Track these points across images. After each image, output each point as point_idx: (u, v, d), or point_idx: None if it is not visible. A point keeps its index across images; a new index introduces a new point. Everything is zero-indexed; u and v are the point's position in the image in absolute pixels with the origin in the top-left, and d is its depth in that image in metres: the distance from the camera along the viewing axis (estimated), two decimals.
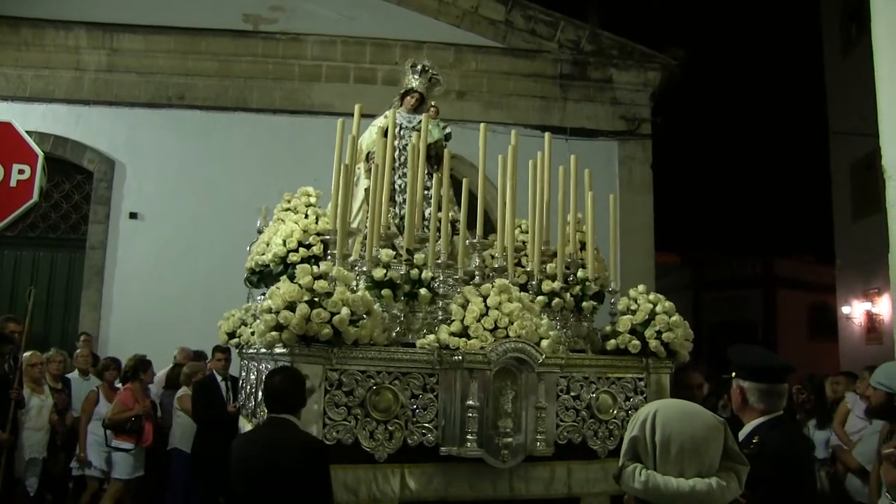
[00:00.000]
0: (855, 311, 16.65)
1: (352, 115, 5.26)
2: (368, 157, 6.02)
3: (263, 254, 5.67)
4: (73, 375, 9.04)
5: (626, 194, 11.84)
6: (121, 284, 11.88)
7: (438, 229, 4.89)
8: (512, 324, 4.41)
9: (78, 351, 9.41)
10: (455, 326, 4.40)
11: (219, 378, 8.13)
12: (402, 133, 6.00)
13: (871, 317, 16.02)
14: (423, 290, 4.52)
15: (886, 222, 5.67)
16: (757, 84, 21.87)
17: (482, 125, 5.29)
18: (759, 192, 23.95)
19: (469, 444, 4.28)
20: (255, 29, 12.73)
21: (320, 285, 4.09)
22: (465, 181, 5.14)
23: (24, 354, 7.81)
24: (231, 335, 6.82)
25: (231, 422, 6.93)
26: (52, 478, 8.31)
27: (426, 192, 5.44)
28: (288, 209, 5.88)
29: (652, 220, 12.73)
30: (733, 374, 3.59)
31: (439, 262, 4.81)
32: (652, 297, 5.14)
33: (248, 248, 6.72)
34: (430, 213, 5.29)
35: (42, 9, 12.18)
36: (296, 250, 5.28)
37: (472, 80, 12.81)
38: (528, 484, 4.55)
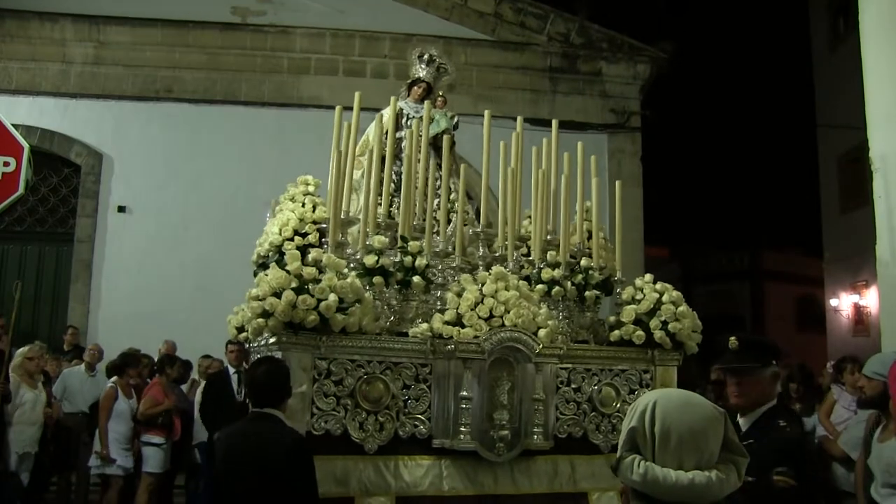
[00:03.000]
0: (843, 303, 16.75)
1: (342, 107, 5.21)
2: None
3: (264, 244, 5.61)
4: (79, 370, 8.98)
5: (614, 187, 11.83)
6: (109, 278, 11.83)
7: (438, 218, 4.82)
8: (508, 312, 4.30)
9: (88, 347, 9.31)
10: (449, 315, 4.31)
11: (231, 370, 8.11)
12: (408, 123, 5.84)
13: (858, 309, 16.11)
14: (416, 278, 4.42)
15: (873, 215, 5.71)
16: (745, 77, 21.97)
17: (486, 112, 5.18)
18: (747, 185, 24.04)
19: (462, 436, 4.18)
20: (243, 21, 12.67)
21: (308, 272, 4.01)
22: (462, 167, 5.07)
23: (22, 349, 7.76)
24: (240, 329, 6.78)
25: (242, 414, 6.92)
26: (48, 470, 8.24)
27: (435, 181, 5.34)
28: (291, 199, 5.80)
29: (641, 213, 12.74)
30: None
31: (438, 250, 4.71)
32: (658, 286, 4.99)
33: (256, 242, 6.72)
34: (438, 203, 5.20)
35: (28, 1, 12.08)
36: (291, 239, 5.22)
37: (462, 73, 12.73)
38: (531, 479, 4.41)
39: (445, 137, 5.38)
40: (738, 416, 3.61)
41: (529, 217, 5.41)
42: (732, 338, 3.58)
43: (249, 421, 3.89)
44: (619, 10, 15.20)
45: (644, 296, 4.90)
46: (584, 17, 13.22)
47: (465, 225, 5.17)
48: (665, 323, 4.79)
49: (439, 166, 5.28)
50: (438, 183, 5.26)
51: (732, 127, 20.39)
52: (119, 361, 8.28)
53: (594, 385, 4.73)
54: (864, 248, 6.61)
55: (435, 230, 4.80)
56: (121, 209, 12.05)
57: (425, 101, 5.61)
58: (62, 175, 12.39)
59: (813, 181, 18.03)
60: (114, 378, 8.20)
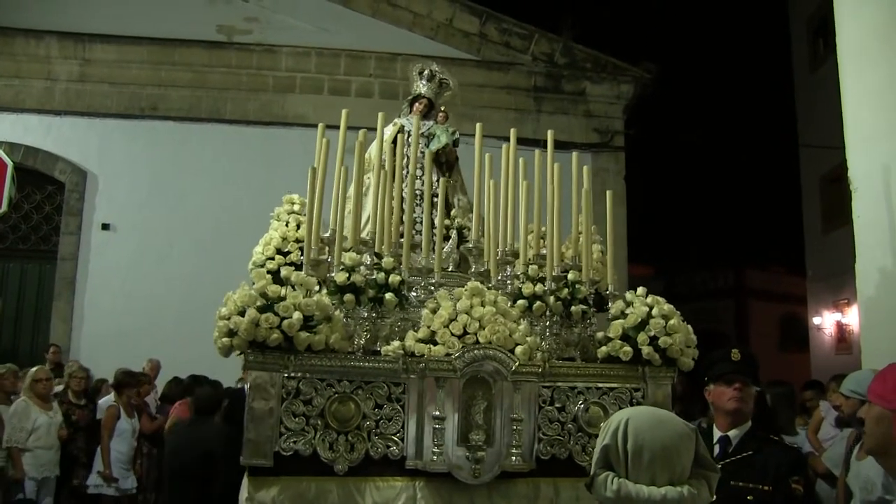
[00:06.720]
0: (825, 321, 16.86)
1: (324, 125, 5.19)
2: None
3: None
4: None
5: (600, 206, 11.87)
6: (92, 296, 11.78)
7: (431, 235, 4.77)
8: (483, 329, 4.18)
9: (71, 370, 9.19)
10: (422, 332, 4.20)
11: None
12: (408, 140, 5.68)
13: (840, 327, 16.23)
14: (388, 295, 4.30)
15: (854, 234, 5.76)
16: (728, 98, 22.09)
17: (478, 125, 5.08)
18: (730, 204, 24.18)
19: (436, 457, 4.08)
20: (229, 40, 12.70)
21: (273, 290, 3.97)
22: (441, 181, 5.02)
23: (31, 370, 7.73)
24: None
25: None
26: (81, 496, 8.14)
27: (434, 198, 5.28)
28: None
29: (625, 231, 12.79)
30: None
31: (421, 267, 4.62)
32: (650, 299, 4.74)
33: None
34: (426, 218, 5.12)
35: (12, 17, 12.07)
36: (272, 258, 5.21)
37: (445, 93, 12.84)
38: (510, 502, 4.24)
39: (428, 153, 5.33)
40: (727, 429, 3.77)
41: (532, 232, 5.27)
42: (735, 349, 3.83)
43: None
44: (603, 31, 15.35)
45: (633, 310, 4.67)
46: (568, 38, 13.32)
47: (467, 241, 5.12)
48: (654, 338, 4.54)
49: (438, 181, 5.23)
50: (435, 200, 5.20)
51: (715, 146, 20.53)
52: (116, 380, 8.27)
53: (580, 404, 4.52)
54: (846, 267, 6.64)
55: (427, 247, 4.75)
56: (105, 227, 12.02)
57: (415, 117, 5.54)
58: (46, 192, 12.34)
59: (795, 200, 18.19)
60: (114, 396, 8.19)
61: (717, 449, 3.72)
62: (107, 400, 8.50)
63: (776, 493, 3.49)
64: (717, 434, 3.79)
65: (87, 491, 7.96)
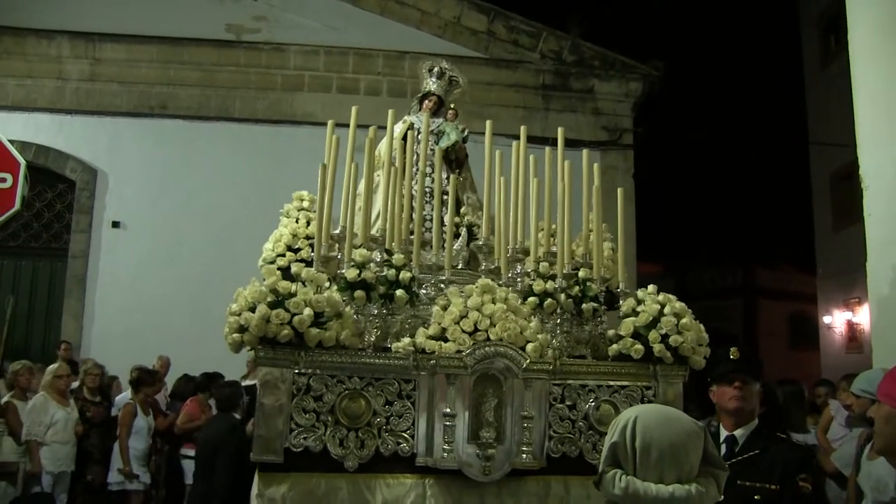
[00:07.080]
0: (836, 320, 16.79)
1: (333, 122, 5.19)
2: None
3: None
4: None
5: (609, 204, 11.83)
6: (103, 293, 11.84)
7: (447, 233, 4.76)
8: (493, 326, 4.17)
9: (86, 368, 9.23)
10: (433, 329, 4.19)
11: None
12: (418, 137, 5.65)
13: (851, 326, 16.16)
14: (399, 292, 4.28)
15: (865, 231, 5.74)
16: (737, 95, 22.00)
17: (488, 122, 5.07)
18: (740, 202, 24.08)
19: (446, 454, 4.06)
20: (237, 39, 12.72)
21: (283, 286, 3.98)
22: (452, 178, 5.02)
23: (51, 366, 7.89)
24: None
25: None
26: (95, 491, 8.22)
27: (444, 195, 5.28)
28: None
29: (634, 229, 12.75)
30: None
31: (431, 264, 4.63)
32: (661, 297, 4.70)
33: None
34: (435, 216, 5.12)
35: (24, 18, 12.13)
36: (283, 255, 5.22)
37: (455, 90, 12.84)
38: (520, 500, 4.22)
39: (438, 150, 5.33)
40: (733, 428, 3.76)
41: (543, 230, 5.23)
42: (733, 348, 3.81)
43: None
44: (612, 29, 15.31)
45: (645, 307, 4.64)
46: (576, 35, 13.29)
47: (477, 238, 5.12)
48: (666, 336, 4.52)
49: (448, 179, 5.23)
50: (445, 198, 5.20)
51: (725, 144, 20.46)
52: (135, 378, 8.33)
53: (591, 402, 4.50)
54: (857, 265, 6.61)
55: (437, 244, 4.73)
56: (115, 225, 12.07)
57: (425, 114, 5.52)
58: (57, 191, 12.40)
59: (806, 198, 18.11)
60: (131, 394, 8.27)
61: (723, 449, 3.71)
62: (123, 397, 8.60)
63: (783, 492, 3.48)
64: (723, 434, 3.78)
65: (110, 489, 8.07)
